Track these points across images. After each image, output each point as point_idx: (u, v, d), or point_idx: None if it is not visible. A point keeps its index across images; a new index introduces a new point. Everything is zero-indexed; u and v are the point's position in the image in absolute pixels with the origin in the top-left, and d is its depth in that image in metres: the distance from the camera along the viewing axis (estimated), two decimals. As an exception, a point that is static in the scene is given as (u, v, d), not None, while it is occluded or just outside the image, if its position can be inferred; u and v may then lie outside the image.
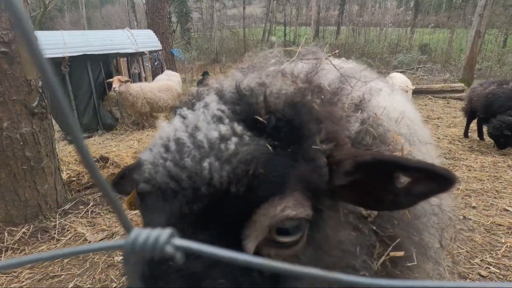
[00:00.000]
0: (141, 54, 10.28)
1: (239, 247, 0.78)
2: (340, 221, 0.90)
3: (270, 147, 0.80)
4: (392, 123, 1.21)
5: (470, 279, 3.16)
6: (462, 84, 12.62)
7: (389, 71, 19.16)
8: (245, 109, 0.86)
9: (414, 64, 19.90)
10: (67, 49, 8.19)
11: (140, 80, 10.43)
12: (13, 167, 4.09)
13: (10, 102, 3.94)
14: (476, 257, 3.47)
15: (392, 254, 0.99)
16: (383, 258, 0.99)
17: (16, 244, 3.98)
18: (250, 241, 0.78)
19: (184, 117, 0.88)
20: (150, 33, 10.89)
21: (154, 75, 11.73)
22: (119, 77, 8.07)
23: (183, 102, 1.01)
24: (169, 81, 9.62)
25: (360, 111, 1.06)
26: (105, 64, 9.26)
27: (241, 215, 0.77)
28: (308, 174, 0.82)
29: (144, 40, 10.14)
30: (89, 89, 8.91)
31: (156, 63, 11.65)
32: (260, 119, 0.83)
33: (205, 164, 0.77)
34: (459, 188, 5.01)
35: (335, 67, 1.26)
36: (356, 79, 1.19)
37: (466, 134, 7.69)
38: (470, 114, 7.55)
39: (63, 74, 8.26)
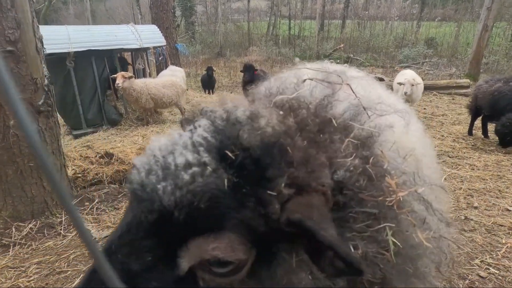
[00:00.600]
0: (146, 49, 10.29)
1: (172, 262, 0.87)
2: (298, 263, 0.90)
3: (226, 184, 0.85)
4: (399, 161, 1.14)
5: (469, 280, 3.19)
6: (468, 80, 12.50)
7: (394, 65, 19.03)
8: (223, 141, 0.91)
9: (420, 58, 19.71)
10: (72, 45, 8.22)
11: (144, 76, 10.46)
12: (20, 164, 4.16)
13: (16, 101, 3.99)
14: (476, 257, 3.50)
15: None
16: None
17: (24, 240, 4.07)
18: (184, 262, 0.87)
19: (170, 136, 0.98)
20: (154, 28, 10.87)
21: (158, 71, 11.76)
22: (123, 73, 8.10)
23: (188, 117, 1.09)
24: (173, 77, 9.64)
25: (364, 148, 1.02)
26: (109, 60, 9.29)
27: (178, 238, 0.86)
28: (252, 219, 0.85)
29: (149, 35, 10.13)
30: (94, 84, 8.94)
31: (160, 58, 11.66)
32: (229, 154, 0.87)
33: (160, 186, 0.87)
34: (461, 188, 5.01)
35: (356, 95, 1.20)
36: (372, 112, 1.15)
37: (470, 132, 7.66)
38: (475, 111, 7.50)
39: (68, 69, 8.30)
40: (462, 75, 14.93)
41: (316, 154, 0.93)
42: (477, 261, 3.45)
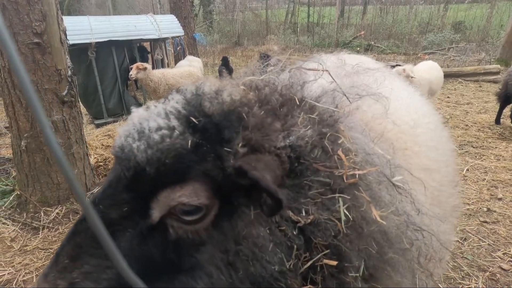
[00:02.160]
0: (164, 39, 10.38)
1: (148, 214, 1.00)
2: (256, 217, 1.03)
3: (189, 143, 0.99)
4: (365, 141, 1.21)
5: (490, 272, 3.12)
6: (498, 66, 11.87)
7: (417, 52, 18.37)
8: (190, 110, 1.05)
9: (445, 44, 18.92)
10: (93, 35, 8.40)
11: (163, 66, 10.58)
12: (47, 152, 4.35)
13: (42, 91, 4.16)
14: (499, 250, 3.42)
15: (325, 261, 1.06)
16: (310, 262, 1.05)
17: (51, 223, 4.29)
18: (155, 212, 1.00)
19: (147, 107, 1.12)
20: (172, 18, 10.92)
21: (176, 61, 11.84)
22: (138, 64, 8.24)
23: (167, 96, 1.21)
24: (191, 67, 9.69)
25: (322, 125, 1.13)
26: (129, 50, 9.44)
27: (150, 191, 0.99)
28: (212, 170, 0.98)
29: (167, 25, 10.19)
30: (114, 75, 9.14)
31: (178, 48, 11.74)
32: (194, 120, 1.02)
33: (137, 143, 1.01)
34: (484, 179, 4.87)
35: (333, 79, 1.30)
36: (342, 95, 1.27)
37: (498, 121, 7.35)
38: (504, 99, 7.15)
39: (90, 60, 8.51)
40: (492, 60, 14.23)
41: (272, 122, 1.07)
42: (499, 253, 3.37)
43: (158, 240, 1.01)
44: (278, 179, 1.00)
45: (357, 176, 1.06)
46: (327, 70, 1.33)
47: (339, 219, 1.04)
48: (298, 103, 1.17)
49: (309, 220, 1.03)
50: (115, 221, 0.99)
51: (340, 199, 1.05)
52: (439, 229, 1.45)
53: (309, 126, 1.10)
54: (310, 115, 1.14)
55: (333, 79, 1.31)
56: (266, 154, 1.01)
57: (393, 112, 1.64)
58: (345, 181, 1.06)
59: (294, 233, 1.04)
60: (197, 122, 1.02)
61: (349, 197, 1.05)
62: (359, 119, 1.38)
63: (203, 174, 0.97)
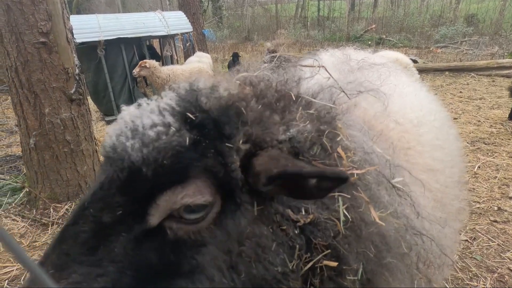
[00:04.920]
0: (173, 36, 10.40)
1: (144, 218, 0.93)
2: (259, 216, 1.00)
3: (187, 140, 0.94)
4: (364, 140, 1.19)
5: (498, 273, 3.05)
6: (511, 60, 11.58)
7: (430, 46, 18.00)
8: (185, 106, 1.00)
9: (458, 37, 18.48)
10: (102, 33, 8.47)
11: (172, 63, 10.62)
12: (55, 150, 4.42)
13: (50, 89, 4.21)
14: (508, 250, 3.34)
15: (325, 262, 1.03)
16: (311, 263, 1.03)
17: (61, 220, 4.37)
18: (153, 218, 0.94)
19: (138, 105, 1.06)
20: (181, 15, 10.94)
21: (186, 57, 11.87)
22: (141, 61, 8.31)
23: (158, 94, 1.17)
24: (200, 64, 9.70)
25: (320, 122, 1.10)
26: (138, 47, 9.49)
27: (147, 194, 0.93)
28: (214, 166, 0.94)
29: (176, 22, 10.21)
30: (124, 72, 9.22)
31: (188, 45, 11.76)
32: (190, 116, 0.97)
33: (131, 142, 0.95)
34: (496, 177, 4.75)
35: (330, 74, 1.28)
36: (339, 91, 1.24)
37: (511, 116, 7.16)
38: (517, 94, 6.99)
39: (100, 57, 8.60)
40: (505, 54, 13.86)
41: (270, 115, 1.04)
42: (508, 254, 3.29)
43: (155, 244, 0.94)
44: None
45: (355, 175, 1.03)
46: (323, 66, 1.31)
47: (338, 219, 1.03)
48: (294, 99, 1.14)
49: (308, 220, 1.01)
50: (108, 225, 0.92)
51: (339, 198, 1.03)
52: (440, 234, 1.42)
53: (307, 122, 1.07)
54: (308, 111, 1.12)
55: (330, 74, 1.29)
56: (269, 149, 0.98)
57: (397, 110, 1.61)
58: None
59: (296, 232, 1.01)
60: (194, 118, 0.97)
61: (348, 196, 1.03)
62: (357, 117, 1.36)
63: (204, 170, 0.93)
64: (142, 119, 0.99)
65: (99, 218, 0.93)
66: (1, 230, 0.38)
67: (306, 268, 1.03)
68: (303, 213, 1.01)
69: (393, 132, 1.47)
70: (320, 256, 1.03)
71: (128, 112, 1.05)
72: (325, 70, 1.28)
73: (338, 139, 1.09)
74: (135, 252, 0.93)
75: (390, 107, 1.44)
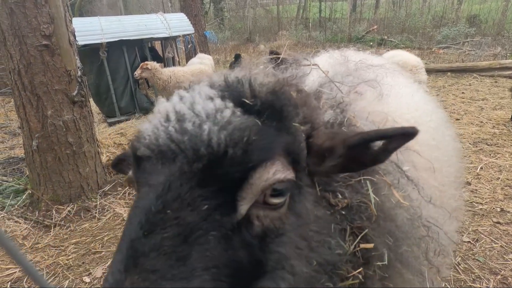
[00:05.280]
0: (175, 38, 10.43)
1: (233, 208, 0.85)
2: (317, 199, 1.01)
3: (259, 122, 0.90)
4: (373, 128, 1.23)
5: (501, 275, 3.04)
6: (514, 61, 11.53)
7: (432, 46, 17.96)
8: (233, 94, 0.95)
9: (460, 38, 18.43)
10: (104, 35, 8.51)
11: (174, 64, 10.65)
12: (58, 152, 4.44)
13: (52, 92, 4.24)
14: (511, 252, 3.32)
15: (362, 245, 1.06)
16: (353, 245, 1.06)
17: (63, 221, 4.39)
18: (244, 203, 0.85)
19: (181, 96, 0.98)
20: (182, 16, 10.97)
21: (188, 58, 11.91)
22: (143, 63, 8.35)
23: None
24: (202, 65, 9.72)
25: (337, 111, 1.15)
26: (140, 49, 9.53)
27: (237, 177, 0.84)
28: (290, 144, 0.93)
29: (177, 24, 10.25)
30: (126, 74, 9.25)
31: (189, 46, 11.80)
32: (247, 101, 0.93)
33: (205, 127, 0.86)
34: (499, 178, 4.73)
35: (323, 71, 1.32)
36: (340, 83, 1.28)
37: (513, 117, 7.13)
38: (519, 95, 6.96)
39: (102, 60, 8.63)
40: (508, 54, 13.81)
41: (311, 100, 1.07)
42: (511, 256, 3.27)
43: (244, 239, 0.85)
44: None
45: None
46: (316, 64, 1.36)
47: (370, 202, 1.07)
48: (307, 91, 1.18)
49: (345, 204, 1.04)
50: (194, 225, 0.79)
51: (367, 181, 1.07)
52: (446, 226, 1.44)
53: (329, 109, 1.13)
54: (325, 100, 1.17)
55: (323, 72, 1.34)
56: (320, 129, 1.01)
57: (393, 110, 1.61)
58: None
59: (340, 215, 1.05)
60: (251, 103, 0.93)
61: (374, 179, 1.08)
62: (362, 107, 1.38)
63: (284, 148, 0.90)
64: (202, 105, 0.91)
65: (182, 219, 0.79)
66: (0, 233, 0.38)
67: (351, 250, 1.06)
68: (340, 197, 1.04)
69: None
70: (360, 237, 1.06)
71: (171, 104, 0.96)
72: (319, 68, 1.33)
73: (353, 126, 1.15)
74: (227, 253, 0.82)
75: (386, 106, 1.45)
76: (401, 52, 8.45)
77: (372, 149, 0.93)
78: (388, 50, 16.09)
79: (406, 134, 0.91)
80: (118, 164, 1.34)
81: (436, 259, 1.30)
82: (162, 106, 0.97)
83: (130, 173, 1.04)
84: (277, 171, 0.86)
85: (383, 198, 1.10)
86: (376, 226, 1.08)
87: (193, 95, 0.96)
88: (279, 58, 1.37)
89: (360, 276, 1.07)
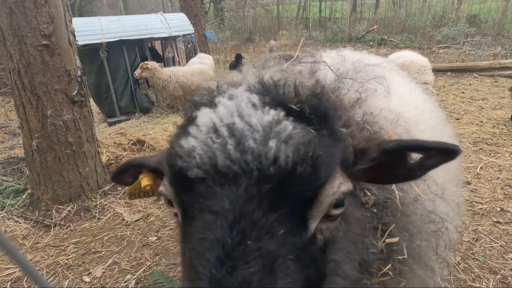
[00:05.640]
0: (175, 38, 10.43)
1: (304, 228, 0.81)
2: (357, 201, 1.02)
3: (313, 130, 0.84)
4: (387, 124, 1.24)
5: (501, 275, 3.04)
6: (514, 61, 11.52)
7: (432, 46, 17.94)
8: (275, 98, 0.88)
9: (460, 38, 18.42)
10: (104, 35, 8.52)
11: (174, 64, 10.65)
12: (58, 151, 4.44)
13: (52, 92, 4.24)
14: (511, 252, 3.32)
15: (387, 240, 1.08)
16: (381, 241, 1.08)
17: (63, 221, 4.39)
18: (314, 221, 0.83)
19: (224, 104, 0.87)
20: (182, 16, 10.98)
21: (188, 58, 11.91)
22: (142, 63, 8.37)
23: (200, 96, 0.98)
24: (202, 65, 9.73)
25: (358, 107, 1.15)
26: (140, 49, 9.54)
27: (308, 196, 0.80)
28: (344, 152, 0.89)
29: (177, 23, 10.25)
30: (126, 73, 9.26)
31: (189, 46, 11.80)
32: (294, 107, 0.86)
33: (271, 144, 0.78)
34: (498, 178, 4.72)
35: (331, 69, 1.30)
36: (352, 80, 1.26)
37: (513, 117, 7.13)
38: (519, 95, 6.95)
39: (102, 59, 8.64)
40: (508, 54, 13.80)
41: (344, 100, 1.06)
42: (511, 255, 3.27)
43: (311, 255, 0.83)
44: None
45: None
46: (324, 61, 1.34)
47: (395, 198, 1.10)
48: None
49: (372, 201, 1.05)
50: (276, 253, 0.75)
51: None
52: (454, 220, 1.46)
53: (355, 108, 1.13)
54: (350, 97, 1.18)
55: (331, 69, 1.32)
56: (357, 133, 0.99)
57: (396, 107, 1.61)
58: None
59: (371, 213, 1.05)
60: (298, 109, 0.87)
61: None
62: (375, 103, 1.38)
63: (341, 158, 0.88)
64: (256, 117, 0.82)
65: (264, 249, 0.74)
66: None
67: (381, 247, 1.07)
68: (369, 194, 1.04)
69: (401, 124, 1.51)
70: (387, 232, 1.08)
71: (217, 114, 0.86)
72: (327, 65, 1.31)
73: (375, 123, 1.15)
74: (303, 273, 0.79)
75: (392, 104, 1.45)
76: (408, 52, 8.52)
77: (407, 162, 0.89)
78: (388, 50, 16.07)
79: (448, 151, 0.86)
80: (120, 176, 1.25)
81: (447, 253, 1.32)
82: (206, 117, 0.86)
83: (163, 189, 0.95)
84: (340, 184, 0.84)
85: (402, 193, 1.12)
86: (397, 225, 1.10)
87: (237, 103, 0.86)
88: (290, 55, 1.35)
89: (390, 273, 1.09)
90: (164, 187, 0.94)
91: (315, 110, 0.88)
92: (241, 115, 0.83)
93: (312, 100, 0.89)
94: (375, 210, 1.04)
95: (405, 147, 0.88)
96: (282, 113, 0.83)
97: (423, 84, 7.40)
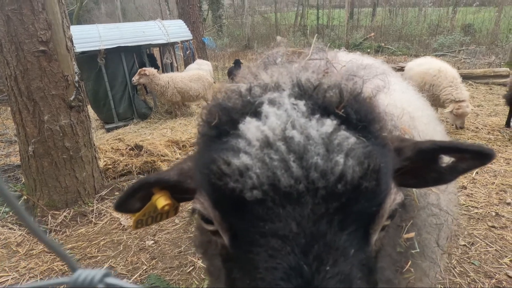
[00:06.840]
0: (173, 44, 10.50)
1: (367, 242, 0.79)
2: None
3: (364, 139, 0.79)
4: (396, 119, 1.23)
5: (496, 279, 3.05)
6: (507, 69, 11.64)
7: (428, 54, 18.13)
8: (318, 103, 0.82)
9: (456, 46, 18.64)
10: (103, 42, 8.57)
11: (172, 70, 10.71)
12: (54, 157, 4.44)
13: (50, 97, 4.25)
14: (506, 256, 3.33)
15: (405, 236, 1.08)
16: (402, 234, 1.09)
17: (59, 227, 4.37)
18: (375, 235, 0.80)
19: (274, 115, 0.80)
20: (180, 23, 11.07)
21: (186, 65, 11.99)
22: (141, 69, 8.43)
23: (231, 101, 0.90)
24: (200, 71, 9.80)
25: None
26: (138, 55, 9.60)
27: (372, 211, 0.77)
28: (392, 160, 0.86)
29: (175, 30, 10.34)
30: (124, 80, 9.30)
31: (188, 52, 11.89)
32: (339, 112, 0.81)
33: (337, 159, 0.73)
34: (493, 183, 4.75)
35: (334, 67, 1.31)
36: (360, 77, 1.23)
37: (508, 124, 7.18)
38: (512, 102, 7.00)
39: (100, 66, 8.68)
40: (502, 64, 13.96)
41: (375, 101, 1.01)
42: (506, 260, 3.28)
43: (370, 268, 0.79)
44: None
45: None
46: (328, 59, 1.31)
47: (412, 193, 1.11)
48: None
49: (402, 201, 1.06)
50: (351, 276, 0.72)
51: None
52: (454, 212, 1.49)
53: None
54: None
55: (335, 68, 1.29)
56: (390, 135, 0.97)
57: (399, 103, 1.64)
58: None
59: (399, 209, 1.04)
60: (344, 115, 0.81)
61: None
62: (381, 99, 1.39)
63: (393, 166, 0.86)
64: (313, 127, 0.77)
65: (342, 273, 0.70)
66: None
67: (403, 243, 1.08)
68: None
69: (406, 120, 1.53)
70: (405, 228, 1.08)
71: (268, 126, 0.78)
72: (331, 64, 1.29)
73: (390, 119, 1.12)
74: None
75: (393, 101, 1.48)
76: (432, 59, 7.60)
77: (439, 165, 0.87)
78: (385, 57, 16.19)
79: (483, 155, 0.83)
80: (129, 200, 1.04)
81: (447, 244, 1.34)
82: (256, 129, 0.78)
83: (200, 208, 0.87)
84: (396, 195, 0.82)
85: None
86: (412, 217, 1.11)
87: (288, 112, 0.80)
88: (297, 51, 1.31)
89: (412, 269, 1.10)
90: (201, 205, 0.86)
91: (357, 115, 0.82)
92: (295, 126, 0.76)
93: (354, 104, 0.84)
94: (399, 209, 1.01)
95: (441, 148, 0.84)
96: (335, 122, 0.78)
97: (458, 102, 6.41)
